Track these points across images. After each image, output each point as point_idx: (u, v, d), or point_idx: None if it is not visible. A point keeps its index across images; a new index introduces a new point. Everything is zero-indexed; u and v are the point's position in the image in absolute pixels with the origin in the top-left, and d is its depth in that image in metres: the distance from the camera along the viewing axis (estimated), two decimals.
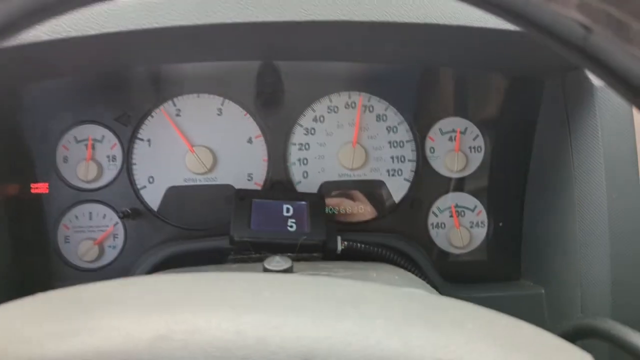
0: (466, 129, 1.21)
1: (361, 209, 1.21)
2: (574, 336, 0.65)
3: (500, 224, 1.20)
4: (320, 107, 1.20)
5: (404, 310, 0.40)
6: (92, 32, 0.79)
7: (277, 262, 0.76)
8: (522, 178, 1.16)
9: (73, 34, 0.79)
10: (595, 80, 0.90)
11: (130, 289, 0.41)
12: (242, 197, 1.04)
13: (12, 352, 0.34)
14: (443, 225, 1.21)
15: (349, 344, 0.34)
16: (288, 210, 1.04)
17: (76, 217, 1.15)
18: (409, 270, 1.02)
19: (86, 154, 1.15)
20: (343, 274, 0.79)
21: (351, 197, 1.21)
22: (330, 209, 1.19)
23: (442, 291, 1.05)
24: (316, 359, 0.33)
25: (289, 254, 0.91)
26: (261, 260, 0.92)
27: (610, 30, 0.32)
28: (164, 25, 0.79)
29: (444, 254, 1.21)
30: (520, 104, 1.16)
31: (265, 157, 1.19)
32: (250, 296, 0.39)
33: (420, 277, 0.99)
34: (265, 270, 0.76)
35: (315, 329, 0.35)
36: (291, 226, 1.02)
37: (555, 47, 0.36)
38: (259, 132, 1.19)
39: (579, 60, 0.36)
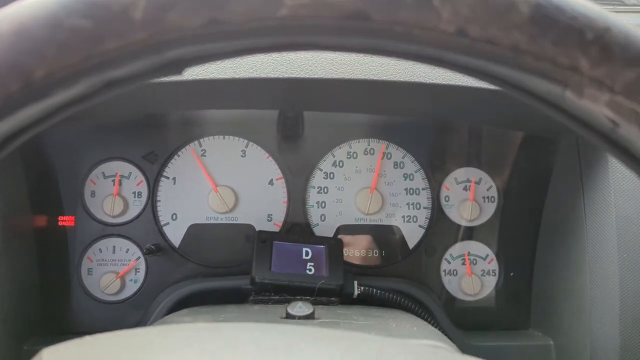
0: (480, 179, 1.25)
1: (376, 254, 1.24)
2: None
3: (511, 274, 1.23)
4: (340, 152, 1.25)
5: None
6: None
7: (300, 307, 0.79)
8: (534, 229, 1.19)
9: None
10: None
11: (177, 336, 0.44)
12: (264, 240, 1.08)
13: None
14: (455, 272, 1.24)
15: None
16: (307, 253, 1.08)
17: (100, 250, 1.19)
18: (422, 317, 1.04)
19: (113, 189, 1.19)
20: (363, 322, 0.82)
21: (366, 242, 1.24)
22: (345, 252, 1.22)
23: (453, 339, 1.08)
24: None
25: (307, 298, 0.94)
26: (281, 302, 0.96)
27: (637, 127, 0.35)
28: (202, 77, 0.83)
29: (454, 300, 1.24)
30: (534, 159, 1.20)
31: (285, 199, 1.23)
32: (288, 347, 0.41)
33: (433, 324, 1.02)
34: (288, 315, 0.80)
35: None
36: (310, 269, 1.05)
37: (585, 135, 0.39)
38: (280, 174, 1.23)
39: (606, 148, 0.39)
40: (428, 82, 0.85)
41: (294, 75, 0.84)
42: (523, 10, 0.31)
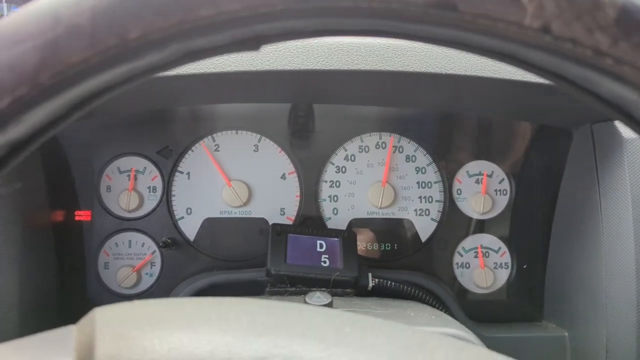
0: (492, 172, 1.25)
1: (388, 247, 1.25)
2: None
3: (524, 266, 1.23)
4: (351, 146, 1.25)
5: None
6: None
7: (318, 297, 0.80)
8: (547, 222, 1.19)
9: None
10: (624, 132, 0.94)
11: (229, 309, 0.43)
12: (279, 232, 1.08)
13: (124, 354, 0.37)
14: (468, 265, 1.25)
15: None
16: (322, 246, 1.09)
17: (116, 244, 1.20)
18: (438, 309, 1.05)
19: (128, 184, 1.20)
20: (382, 312, 0.83)
21: (379, 235, 1.25)
22: (358, 245, 1.23)
23: None
24: None
25: (324, 289, 0.95)
26: (297, 294, 0.96)
27: None
28: (218, 70, 0.84)
29: (467, 293, 1.24)
30: (547, 151, 1.21)
31: (298, 193, 1.24)
32: (334, 330, 0.41)
33: (447, 314, 1.02)
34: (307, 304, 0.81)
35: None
36: (324, 262, 1.06)
37: (611, 114, 0.39)
38: (292, 168, 1.24)
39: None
40: (443, 72, 0.86)
41: (307, 67, 0.85)
42: (609, 12, 0.31)
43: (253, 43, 0.35)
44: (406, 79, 0.89)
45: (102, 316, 0.38)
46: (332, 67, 0.86)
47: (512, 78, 0.88)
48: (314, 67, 0.86)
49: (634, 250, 0.91)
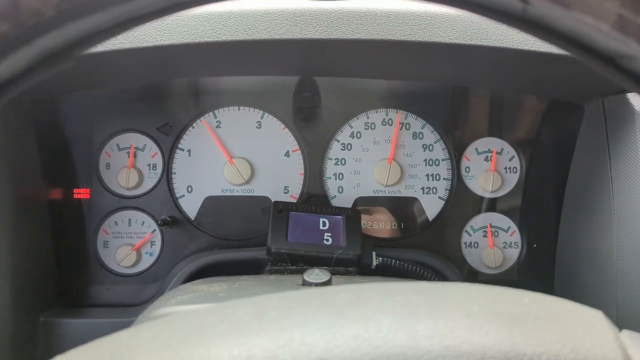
0: (502, 149, 1.22)
1: (394, 225, 1.22)
2: None
3: (534, 245, 1.20)
4: (357, 123, 1.22)
5: (410, 303, 0.41)
6: (145, 44, 0.81)
7: (317, 274, 0.77)
8: (558, 200, 1.15)
9: (127, 46, 0.82)
10: (637, 105, 0.90)
11: (141, 336, 0.42)
12: (280, 210, 1.06)
13: None
14: (476, 245, 1.22)
15: (357, 348, 0.35)
16: (324, 224, 1.06)
17: (116, 222, 1.18)
18: None
19: (128, 161, 1.18)
20: None
21: (385, 213, 1.22)
22: (364, 224, 1.20)
23: None
24: None
25: (325, 267, 0.92)
26: (297, 272, 0.94)
27: (546, 0, 0.33)
28: (215, 39, 0.81)
29: (475, 273, 1.21)
30: (558, 126, 1.17)
31: (302, 171, 1.21)
32: (255, 319, 0.40)
33: None
34: (305, 282, 0.78)
35: (323, 340, 0.36)
36: (327, 240, 1.03)
37: (498, 20, 0.37)
38: (296, 146, 1.21)
39: (522, 30, 0.37)
40: (448, 42, 0.82)
41: (307, 37, 0.81)
42: None
43: (61, 57, 0.32)
44: (411, 48, 0.85)
45: None
46: (333, 36, 0.82)
47: (522, 48, 0.84)
48: (315, 36, 0.82)
49: None
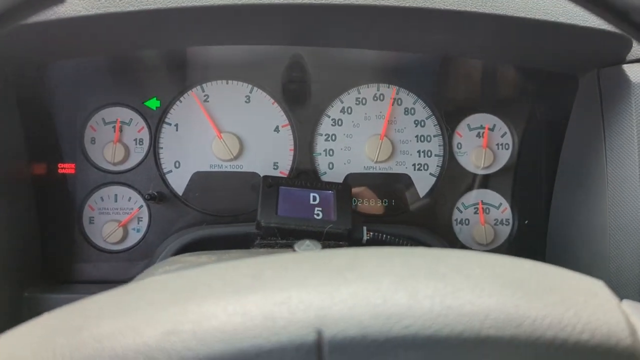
0: (494, 125, 1.20)
1: (385, 202, 1.20)
2: None
3: (526, 222, 1.19)
4: (348, 98, 1.20)
5: (409, 266, 0.40)
6: (130, 8, 0.79)
7: (308, 245, 0.76)
8: (550, 176, 1.15)
9: (111, 9, 0.79)
10: (632, 76, 0.88)
11: (134, 293, 0.41)
12: (270, 184, 1.04)
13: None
14: (467, 222, 1.21)
15: (354, 306, 0.34)
16: (315, 198, 1.04)
17: (102, 198, 1.16)
18: None
19: (113, 136, 1.15)
20: None
21: (376, 190, 1.20)
22: (355, 201, 1.19)
23: None
24: (327, 326, 0.33)
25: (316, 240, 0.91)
26: (287, 246, 0.92)
27: None
28: (201, 4, 0.79)
29: (466, 249, 1.20)
30: (551, 101, 1.16)
31: (292, 147, 1.19)
32: (250, 278, 0.39)
33: None
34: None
35: (321, 298, 0.35)
36: (317, 214, 1.01)
37: None
38: (286, 121, 1.19)
39: None
40: (443, 8, 0.80)
41: (298, 1, 0.79)
42: None
43: None
44: (405, 15, 0.83)
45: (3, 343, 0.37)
46: (319, 2, 0.80)
47: (519, 15, 0.82)
48: (304, 1, 0.80)
49: None
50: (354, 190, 1.17)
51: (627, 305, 0.41)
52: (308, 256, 0.44)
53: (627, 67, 0.90)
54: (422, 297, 0.35)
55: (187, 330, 0.34)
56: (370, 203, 1.20)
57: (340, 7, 0.80)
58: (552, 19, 0.80)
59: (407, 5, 0.79)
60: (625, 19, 0.37)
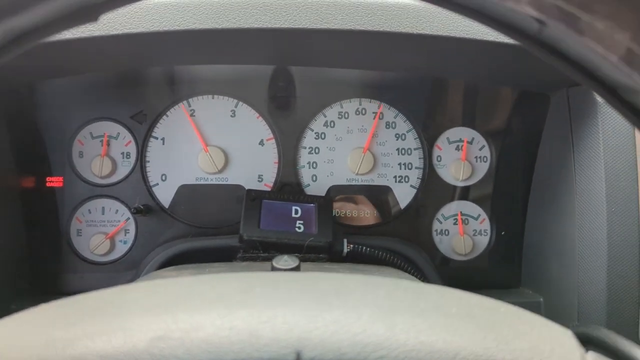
0: (473, 139, 1.24)
1: (367, 214, 1.23)
2: None
3: (503, 233, 1.22)
4: (331, 112, 1.23)
5: (390, 298, 0.42)
6: (116, 32, 0.82)
7: (285, 261, 0.78)
8: (526, 188, 1.18)
9: (97, 33, 0.82)
10: (599, 96, 0.92)
11: (129, 295, 0.43)
12: (253, 198, 1.07)
13: (22, 354, 0.37)
14: (447, 232, 1.24)
15: (335, 332, 0.37)
16: (297, 211, 1.07)
17: (89, 211, 1.18)
18: (413, 275, 1.04)
19: (101, 150, 1.18)
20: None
21: (358, 202, 1.23)
22: (337, 212, 1.22)
23: None
24: (306, 349, 0.36)
25: (296, 255, 0.93)
26: (269, 259, 0.94)
27: (562, 23, 0.33)
28: (185, 28, 0.81)
29: (446, 260, 1.23)
30: (526, 116, 1.19)
31: (276, 160, 1.22)
32: (241, 294, 0.41)
33: (423, 281, 1.01)
34: (274, 268, 0.79)
35: (304, 321, 0.37)
36: (299, 227, 1.04)
37: (512, 37, 0.38)
38: (270, 134, 1.22)
39: (536, 51, 0.38)
40: (416, 32, 0.83)
41: (278, 26, 0.82)
42: None
43: (86, 14, 0.33)
44: (380, 39, 0.86)
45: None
46: (302, 26, 0.83)
47: (490, 39, 0.86)
48: (284, 26, 0.83)
49: (606, 214, 0.90)
50: (338, 203, 1.20)
51: (592, 356, 0.43)
52: (298, 277, 0.46)
53: None
54: (399, 330, 0.38)
55: (176, 338, 0.36)
56: (352, 214, 1.23)
57: (321, 31, 0.83)
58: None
59: (380, 29, 0.83)
60: (614, 94, 0.39)
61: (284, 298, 0.41)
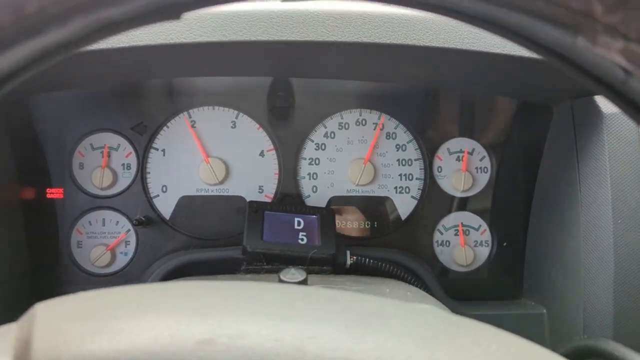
0: (473, 149, 1.24)
1: (368, 225, 1.23)
2: (574, 357, 0.68)
3: (504, 244, 1.22)
4: (331, 123, 1.23)
5: (430, 328, 0.42)
6: (121, 45, 0.82)
7: (292, 274, 0.78)
8: (527, 199, 1.19)
9: (102, 46, 0.81)
10: (604, 108, 0.93)
11: (174, 293, 0.43)
12: (256, 209, 1.06)
13: (62, 348, 0.36)
14: (448, 243, 1.24)
15: (379, 358, 0.36)
16: (299, 223, 1.07)
17: (90, 222, 1.18)
18: (415, 286, 1.04)
19: (102, 161, 1.17)
20: (357, 288, 0.81)
21: (359, 213, 1.23)
22: (338, 223, 1.21)
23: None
24: None
25: (300, 267, 0.93)
26: (273, 271, 0.95)
27: None
28: (189, 41, 0.81)
29: (447, 271, 1.23)
30: (527, 128, 1.20)
31: (277, 171, 1.22)
32: (285, 306, 0.41)
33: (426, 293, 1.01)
34: (281, 281, 0.79)
35: (349, 342, 0.37)
36: (302, 239, 1.04)
37: (594, 88, 0.37)
38: (271, 145, 1.22)
39: (616, 101, 0.37)
40: (421, 44, 0.83)
41: (280, 38, 0.82)
42: None
43: (173, 11, 0.33)
44: (384, 51, 0.87)
45: (43, 311, 0.37)
46: (307, 38, 0.83)
47: (493, 51, 0.86)
48: (289, 38, 0.83)
49: (612, 227, 0.90)
50: (338, 214, 1.20)
51: None
52: (336, 294, 0.46)
53: (599, 99, 0.94)
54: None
55: (222, 344, 0.35)
56: (353, 225, 1.23)
57: (322, 44, 0.83)
58: (526, 55, 0.84)
59: (386, 42, 0.83)
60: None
61: (326, 315, 0.40)
